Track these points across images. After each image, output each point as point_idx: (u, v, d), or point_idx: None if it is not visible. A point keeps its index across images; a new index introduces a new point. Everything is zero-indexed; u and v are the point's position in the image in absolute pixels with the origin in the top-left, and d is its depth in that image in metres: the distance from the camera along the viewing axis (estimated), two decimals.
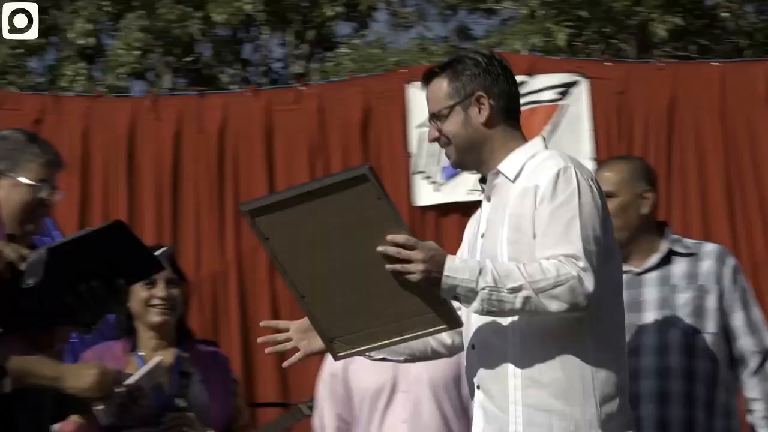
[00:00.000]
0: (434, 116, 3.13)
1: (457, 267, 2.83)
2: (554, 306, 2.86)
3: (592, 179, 3.03)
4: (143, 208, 7.03)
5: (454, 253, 3.05)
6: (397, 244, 2.78)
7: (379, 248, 2.76)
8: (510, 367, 2.99)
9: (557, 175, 2.96)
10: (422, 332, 2.97)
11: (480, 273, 2.83)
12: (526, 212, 2.98)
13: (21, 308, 2.73)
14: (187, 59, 13.56)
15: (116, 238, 2.71)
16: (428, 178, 6.86)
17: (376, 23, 14.31)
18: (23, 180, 3.43)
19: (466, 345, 3.13)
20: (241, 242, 6.81)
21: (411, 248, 2.78)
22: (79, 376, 3.45)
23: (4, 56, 12.87)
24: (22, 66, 13.35)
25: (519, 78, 3.77)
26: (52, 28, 13.21)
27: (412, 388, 4.03)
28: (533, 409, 2.96)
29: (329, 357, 3.35)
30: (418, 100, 6.70)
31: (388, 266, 2.79)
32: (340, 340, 2.95)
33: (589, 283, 2.87)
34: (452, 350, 3.29)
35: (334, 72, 11.38)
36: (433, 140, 3.16)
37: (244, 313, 6.78)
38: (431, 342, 3.23)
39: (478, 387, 3.05)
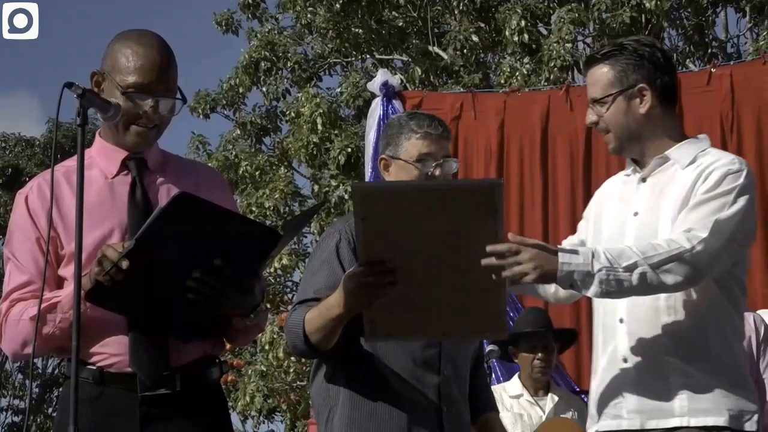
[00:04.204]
0: (595, 101, 3.21)
1: (570, 254, 2.90)
2: (670, 280, 2.93)
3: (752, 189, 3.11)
4: (558, 198, 7.19)
5: None
6: (499, 253, 2.80)
7: (485, 261, 2.80)
8: (665, 342, 3.08)
9: (726, 173, 3.06)
10: (467, 335, 3.10)
11: (593, 256, 2.91)
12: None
13: (146, 303, 2.79)
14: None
15: (197, 212, 2.65)
16: None
17: None
18: (405, 160, 3.49)
19: (602, 319, 3.21)
20: None
21: (515, 253, 2.82)
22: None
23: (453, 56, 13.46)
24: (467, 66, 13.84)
25: None
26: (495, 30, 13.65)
27: None
28: (694, 381, 3.05)
29: None
30: None
31: (501, 273, 2.80)
32: (385, 326, 2.96)
33: (703, 257, 2.94)
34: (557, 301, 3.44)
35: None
36: (591, 124, 3.26)
37: None
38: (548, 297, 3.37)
39: (625, 360, 3.14)
